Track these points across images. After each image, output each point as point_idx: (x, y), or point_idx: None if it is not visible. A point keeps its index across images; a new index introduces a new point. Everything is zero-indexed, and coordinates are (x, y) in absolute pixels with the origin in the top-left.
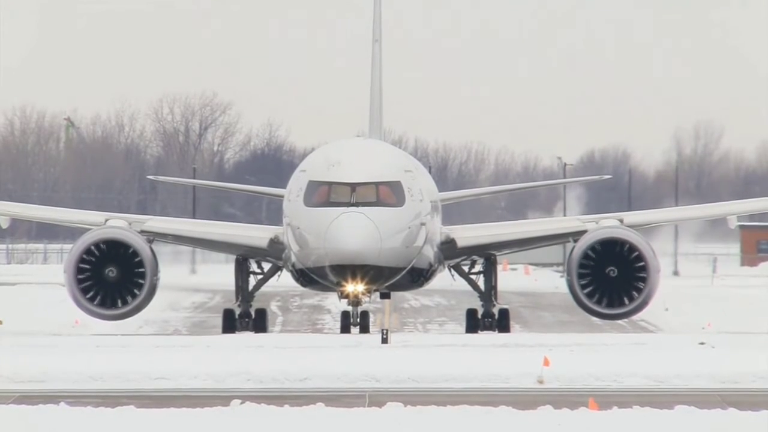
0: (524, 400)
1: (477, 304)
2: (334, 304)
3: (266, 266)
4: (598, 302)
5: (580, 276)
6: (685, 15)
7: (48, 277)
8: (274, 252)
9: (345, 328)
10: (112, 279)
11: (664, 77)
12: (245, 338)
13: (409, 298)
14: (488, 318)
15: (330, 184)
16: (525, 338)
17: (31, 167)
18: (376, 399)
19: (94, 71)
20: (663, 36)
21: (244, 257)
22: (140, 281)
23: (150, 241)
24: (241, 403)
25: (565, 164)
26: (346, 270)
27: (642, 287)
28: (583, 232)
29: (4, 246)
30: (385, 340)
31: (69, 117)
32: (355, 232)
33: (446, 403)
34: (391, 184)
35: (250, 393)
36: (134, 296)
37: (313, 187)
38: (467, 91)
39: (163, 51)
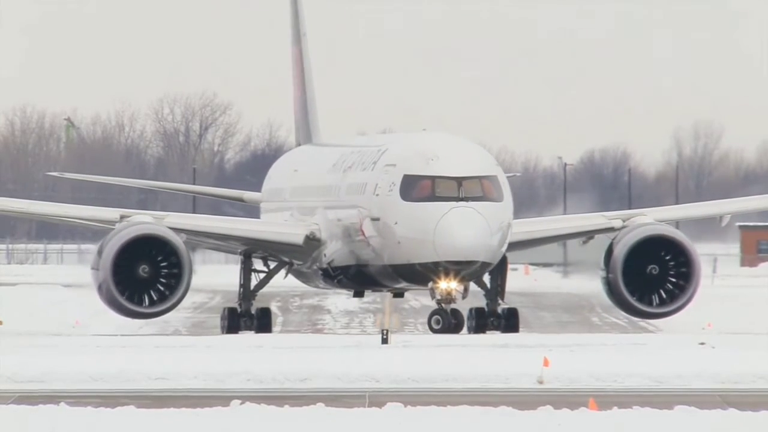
0: (524, 400)
1: (481, 303)
2: (334, 304)
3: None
4: (640, 300)
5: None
6: (685, 15)
7: (48, 277)
8: (308, 249)
9: (447, 327)
10: (145, 276)
11: (664, 77)
12: (245, 338)
13: (410, 298)
14: (491, 318)
15: (433, 178)
16: (525, 338)
17: (31, 167)
18: (376, 399)
19: (94, 71)
20: (663, 36)
21: (248, 254)
22: (172, 278)
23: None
24: (241, 403)
25: (566, 164)
26: (455, 266)
27: (685, 285)
28: (610, 229)
29: (4, 246)
30: (385, 340)
31: (69, 117)
32: (467, 227)
33: (446, 403)
34: (491, 178)
35: (250, 393)
36: (171, 293)
37: (412, 181)
38: (467, 90)
39: (163, 51)
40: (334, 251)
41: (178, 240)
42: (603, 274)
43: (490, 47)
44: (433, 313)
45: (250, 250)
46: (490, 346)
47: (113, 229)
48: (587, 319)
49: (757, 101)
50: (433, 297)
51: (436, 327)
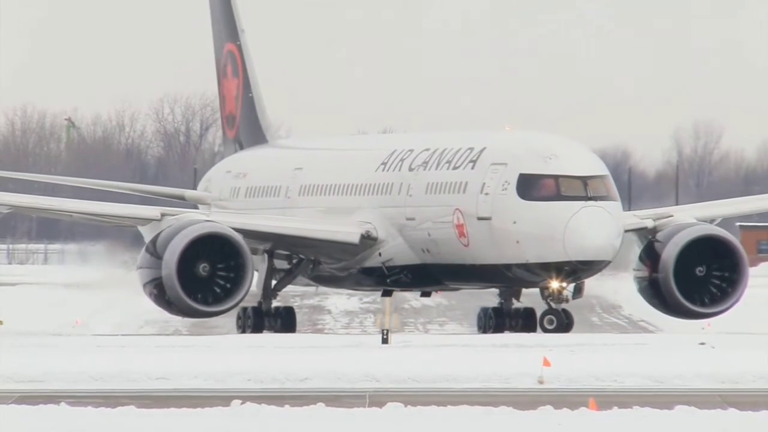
0: (524, 400)
1: (492, 301)
2: (334, 304)
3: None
4: (688, 299)
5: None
6: (685, 15)
7: (48, 277)
8: (362, 248)
9: (560, 327)
10: (203, 275)
11: (664, 77)
12: (245, 338)
13: (410, 298)
14: (508, 317)
15: (556, 177)
16: (525, 338)
17: (32, 167)
18: (377, 399)
19: (94, 71)
20: (663, 36)
21: (270, 253)
22: (231, 277)
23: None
24: (242, 403)
25: None
26: (583, 265)
27: (734, 285)
28: (642, 228)
29: (4, 246)
30: (385, 340)
31: (70, 117)
32: (598, 227)
33: (446, 403)
34: (608, 177)
35: (250, 393)
36: (233, 292)
37: (531, 180)
38: (467, 90)
39: (163, 51)
40: (393, 249)
41: (240, 239)
42: (641, 273)
43: (488, 46)
44: (546, 313)
45: (273, 248)
46: (490, 346)
47: (134, 228)
48: (587, 319)
49: (757, 101)
50: (544, 297)
51: (549, 327)
